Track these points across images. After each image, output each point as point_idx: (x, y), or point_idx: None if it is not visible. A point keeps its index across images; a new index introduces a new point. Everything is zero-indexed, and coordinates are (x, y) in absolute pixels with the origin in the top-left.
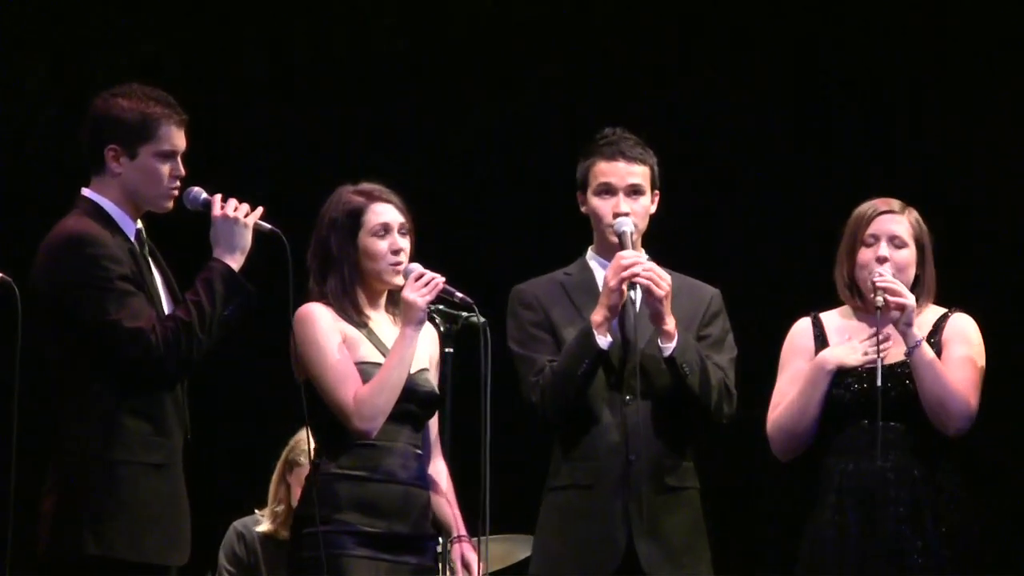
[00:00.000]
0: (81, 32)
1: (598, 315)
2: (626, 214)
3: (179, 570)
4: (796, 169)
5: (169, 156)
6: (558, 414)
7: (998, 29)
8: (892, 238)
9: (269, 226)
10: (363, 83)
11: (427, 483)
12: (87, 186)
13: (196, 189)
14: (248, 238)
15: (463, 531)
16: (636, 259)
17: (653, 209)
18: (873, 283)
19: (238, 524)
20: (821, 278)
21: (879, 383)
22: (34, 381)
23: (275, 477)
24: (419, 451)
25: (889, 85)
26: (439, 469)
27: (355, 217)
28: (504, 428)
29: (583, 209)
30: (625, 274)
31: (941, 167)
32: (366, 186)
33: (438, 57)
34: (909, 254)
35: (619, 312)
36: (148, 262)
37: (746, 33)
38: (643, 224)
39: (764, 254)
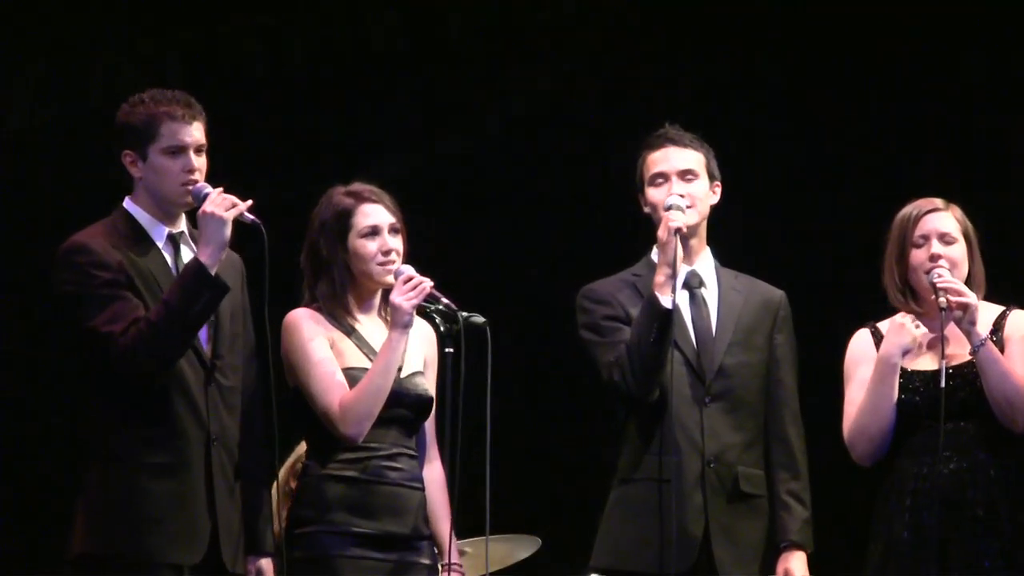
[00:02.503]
0: (81, 32)
1: (659, 275)
2: (680, 196)
3: (198, 567)
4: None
5: (177, 152)
6: (641, 388)
7: None
8: (942, 235)
9: (251, 217)
10: (363, 83)
11: (421, 484)
12: (129, 195)
13: (201, 184)
14: (225, 232)
15: (455, 558)
16: (681, 217)
17: (715, 199)
18: (933, 284)
19: None
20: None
21: (943, 384)
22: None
23: (279, 483)
24: (411, 452)
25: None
26: (435, 474)
27: (344, 219)
28: (505, 428)
29: (645, 209)
30: (671, 224)
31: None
32: (356, 187)
33: (438, 57)
34: (961, 249)
35: (677, 271)
36: (174, 264)
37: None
38: (702, 209)
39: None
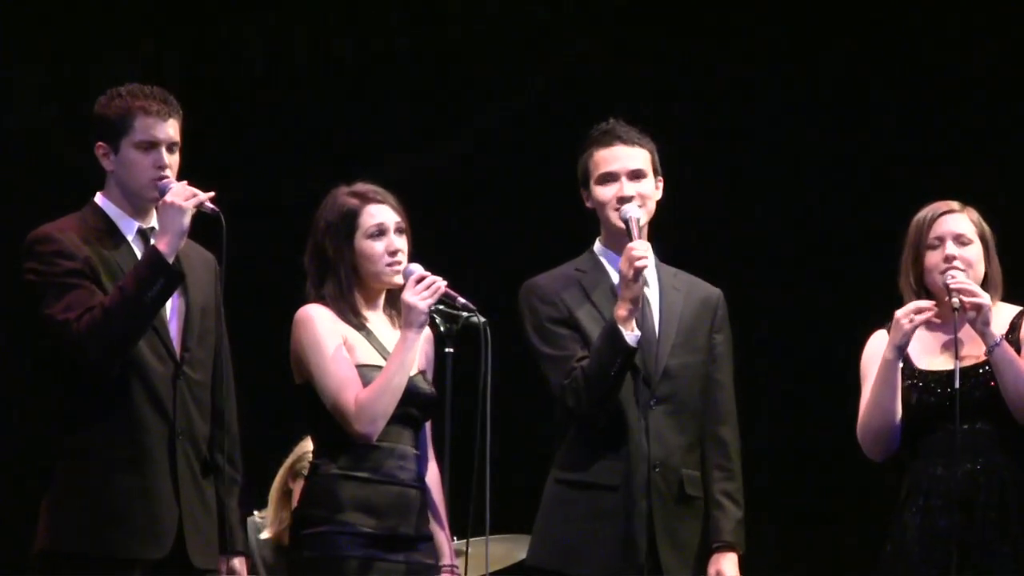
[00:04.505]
0: (81, 32)
1: (621, 309)
2: (631, 197)
3: (164, 564)
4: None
5: (149, 147)
6: (595, 412)
7: None
8: (957, 236)
9: (211, 206)
10: (363, 83)
11: (424, 484)
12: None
13: (167, 180)
14: (183, 221)
15: (451, 560)
16: (647, 251)
17: (659, 195)
18: (947, 285)
19: None
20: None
21: (957, 385)
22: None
23: (277, 484)
24: (417, 452)
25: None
26: (432, 475)
27: (350, 219)
28: (504, 428)
29: (588, 204)
30: (638, 264)
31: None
32: (360, 187)
33: (438, 57)
34: (976, 250)
35: (640, 305)
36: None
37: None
38: (650, 208)
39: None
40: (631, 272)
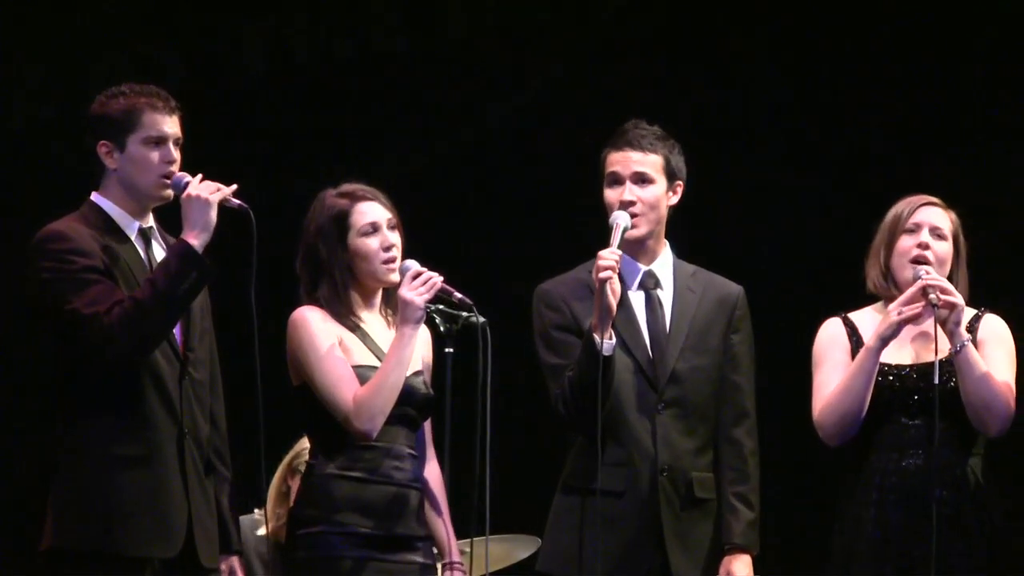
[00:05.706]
0: (80, 32)
1: (595, 318)
2: (632, 203)
3: (171, 562)
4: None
5: (157, 142)
6: (584, 424)
7: None
8: (934, 228)
9: (238, 201)
10: (363, 83)
11: (421, 484)
12: (96, 190)
13: (180, 174)
14: (211, 215)
15: (456, 556)
16: (614, 259)
17: (673, 200)
18: (925, 286)
19: None
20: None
21: (936, 380)
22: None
23: (276, 481)
24: (414, 453)
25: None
26: (433, 474)
27: (341, 220)
28: (504, 428)
29: (606, 204)
30: (602, 276)
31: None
32: (347, 187)
33: (438, 57)
34: (948, 248)
35: (614, 312)
36: (147, 258)
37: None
38: (652, 214)
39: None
40: (597, 282)
